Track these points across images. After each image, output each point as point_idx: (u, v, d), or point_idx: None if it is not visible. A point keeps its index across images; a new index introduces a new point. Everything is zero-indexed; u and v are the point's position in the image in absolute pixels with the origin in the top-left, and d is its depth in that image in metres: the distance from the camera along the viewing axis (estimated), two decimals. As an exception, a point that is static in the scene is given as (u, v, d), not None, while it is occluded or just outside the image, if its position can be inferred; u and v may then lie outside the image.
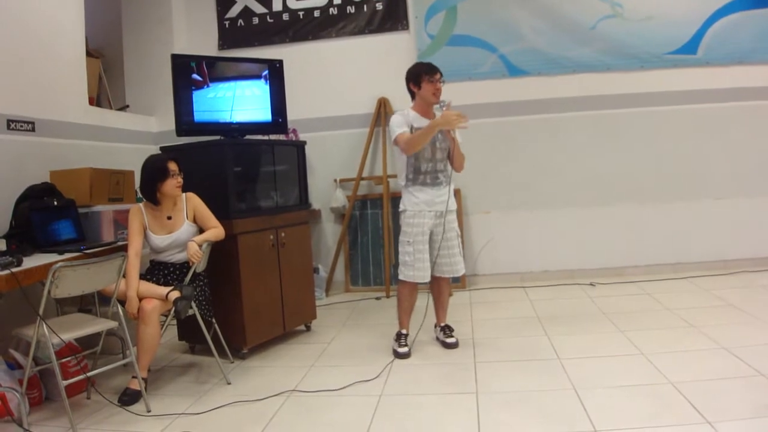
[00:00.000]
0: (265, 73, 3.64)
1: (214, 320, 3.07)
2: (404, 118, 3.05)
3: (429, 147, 3.02)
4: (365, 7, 4.79)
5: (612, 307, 3.71)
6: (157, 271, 2.93)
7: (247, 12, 4.95)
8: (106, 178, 3.39)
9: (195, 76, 3.36)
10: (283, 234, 3.45)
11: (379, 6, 4.77)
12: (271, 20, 4.92)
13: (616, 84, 4.53)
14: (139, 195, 3.14)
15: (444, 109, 2.95)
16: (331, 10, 4.84)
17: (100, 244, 2.96)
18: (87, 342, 2.83)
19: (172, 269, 2.93)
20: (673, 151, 4.53)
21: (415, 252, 3.04)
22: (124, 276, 2.66)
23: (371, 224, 4.83)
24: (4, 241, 2.71)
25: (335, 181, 4.81)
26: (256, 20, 4.94)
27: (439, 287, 3.24)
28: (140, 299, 2.70)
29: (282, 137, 4.23)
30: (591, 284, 4.38)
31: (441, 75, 3.06)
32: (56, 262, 2.38)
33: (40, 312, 2.33)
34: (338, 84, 4.81)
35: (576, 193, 4.62)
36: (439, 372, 2.83)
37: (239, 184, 3.35)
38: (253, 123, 3.59)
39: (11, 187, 3.06)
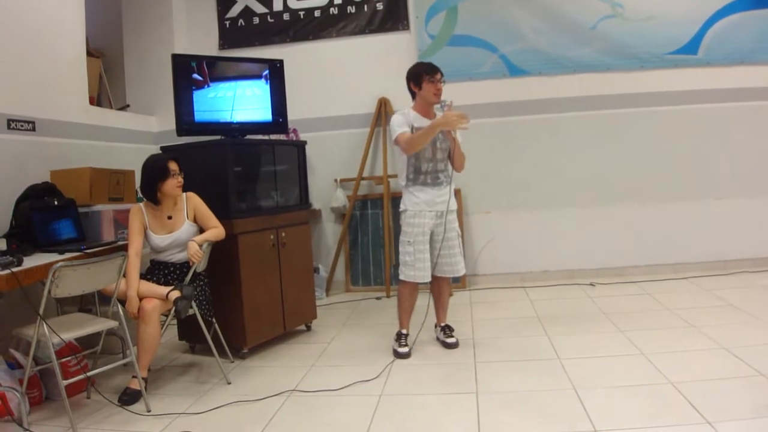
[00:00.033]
0: (266, 72, 3.64)
1: (214, 320, 3.07)
2: (405, 118, 3.05)
3: (429, 147, 3.02)
4: (366, 7, 4.79)
5: (612, 307, 3.71)
6: (157, 270, 2.94)
7: (247, 12, 4.95)
8: (106, 178, 3.39)
9: (195, 75, 3.36)
10: (283, 234, 3.45)
11: (380, 6, 4.77)
12: (272, 20, 4.92)
13: (617, 84, 4.53)
14: (140, 195, 3.15)
15: (445, 109, 2.95)
16: (331, 9, 4.84)
17: (101, 243, 2.96)
18: (87, 342, 2.83)
19: (172, 269, 2.93)
20: (674, 151, 4.53)
21: (416, 252, 3.04)
22: (124, 276, 2.67)
23: (371, 224, 4.83)
24: (4, 240, 2.71)
25: (336, 181, 4.81)
26: (256, 20, 4.94)
27: (440, 287, 3.24)
28: (140, 299, 2.70)
29: (282, 137, 4.23)
30: (591, 284, 4.38)
31: (442, 75, 3.06)
32: (56, 261, 2.38)
33: (41, 311, 2.33)
34: (339, 84, 4.81)
35: (576, 193, 4.62)
36: (439, 372, 2.83)
37: (240, 184, 3.35)
38: (253, 123, 3.59)
39: (12, 186, 3.06)
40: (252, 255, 3.22)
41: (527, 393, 2.47)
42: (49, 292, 2.29)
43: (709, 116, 4.48)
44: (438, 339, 3.28)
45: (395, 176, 4.13)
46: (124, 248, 2.83)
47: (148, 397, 2.63)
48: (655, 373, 2.54)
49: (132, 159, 3.86)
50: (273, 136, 4.03)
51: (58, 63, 3.70)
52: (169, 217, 2.92)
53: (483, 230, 4.72)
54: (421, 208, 3.06)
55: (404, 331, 3.17)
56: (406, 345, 3.12)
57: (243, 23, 4.96)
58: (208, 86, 3.40)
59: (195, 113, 3.33)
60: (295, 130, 4.56)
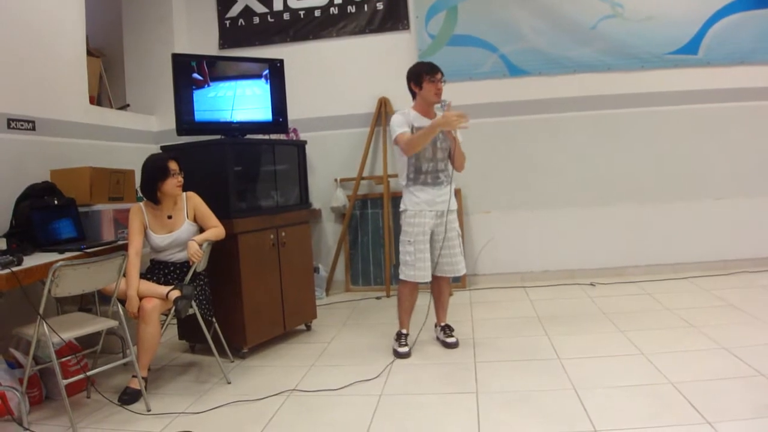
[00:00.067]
0: (266, 72, 3.64)
1: (214, 319, 3.07)
2: (405, 118, 3.05)
3: (430, 147, 3.02)
4: (366, 6, 4.79)
5: (612, 307, 3.71)
6: (157, 270, 2.93)
7: (247, 11, 4.95)
8: (106, 177, 3.39)
9: (195, 75, 3.36)
10: (283, 233, 3.45)
11: (380, 6, 4.77)
12: (272, 20, 4.92)
13: (617, 84, 4.53)
14: (140, 194, 3.15)
15: (445, 109, 2.95)
16: (331, 9, 4.83)
17: (101, 243, 2.96)
18: (87, 341, 2.83)
19: (172, 268, 2.93)
20: (674, 151, 4.53)
21: (416, 252, 3.04)
22: (124, 275, 2.66)
23: (372, 224, 4.83)
24: (4, 240, 2.71)
25: (336, 180, 4.81)
26: (256, 20, 4.94)
27: (440, 287, 3.24)
28: (140, 298, 2.70)
29: (282, 137, 4.23)
30: (591, 284, 4.38)
31: (442, 75, 3.05)
32: (56, 261, 2.38)
33: (41, 311, 2.33)
34: (339, 83, 4.81)
35: (576, 193, 4.62)
36: (439, 372, 2.83)
37: (240, 184, 3.35)
38: (253, 122, 3.58)
39: (12, 186, 3.06)
40: (252, 254, 3.22)
41: (527, 393, 2.47)
42: (49, 291, 2.29)
43: (710, 116, 4.48)
44: (438, 339, 3.28)
45: (395, 176, 4.13)
46: (124, 248, 2.83)
47: (148, 397, 2.63)
48: (655, 373, 2.54)
49: (132, 158, 3.86)
50: (273, 136, 4.03)
51: (59, 62, 3.69)
52: (169, 217, 2.92)
53: (483, 230, 4.72)
54: (422, 207, 3.06)
55: (404, 331, 3.17)
56: (406, 345, 3.12)
57: (243, 23, 4.96)
58: (208, 86, 3.40)
59: (195, 113, 3.33)
60: (295, 130, 4.56)
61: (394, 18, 4.76)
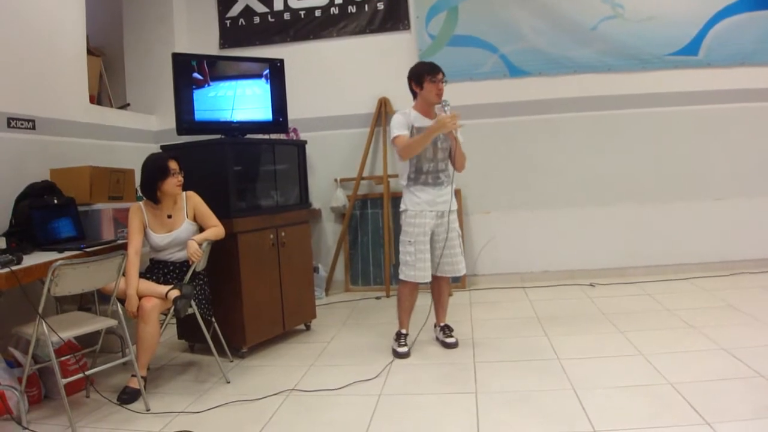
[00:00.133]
0: (266, 72, 3.64)
1: (213, 319, 3.07)
2: (405, 118, 3.05)
3: (431, 147, 3.02)
4: (366, 6, 4.79)
5: (612, 307, 3.70)
6: (156, 269, 2.93)
7: (248, 11, 4.95)
8: (106, 177, 3.39)
9: (196, 74, 3.36)
10: (283, 233, 3.45)
11: (381, 6, 4.77)
12: (272, 19, 4.92)
13: (617, 85, 4.53)
14: (140, 193, 3.14)
15: (445, 108, 2.95)
16: (332, 9, 4.83)
17: (100, 242, 2.96)
18: (86, 340, 2.83)
19: (171, 268, 2.93)
20: (674, 152, 4.53)
21: (417, 252, 3.04)
22: (123, 274, 2.66)
23: (371, 224, 4.82)
24: (4, 239, 2.71)
25: (336, 180, 4.81)
26: (257, 19, 4.94)
27: (439, 287, 3.24)
28: (140, 298, 2.70)
29: (282, 136, 4.23)
30: (591, 285, 4.38)
31: (443, 75, 3.05)
32: (56, 260, 2.38)
33: (40, 310, 2.32)
34: (339, 83, 4.81)
35: (576, 193, 4.62)
36: (438, 372, 2.83)
37: (239, 183, 3.35)
38: (253, 122, 3.58)
39: (11, 185, 3.05)
40: (252, 254, 3.22)
41: (527, 393, 2.47)
42: (49, 290, 2.29)
43: (710, 117, 4.48)
44: (437, 339, 3.28)
45: (395, 176, 4.13)
46: (124, 247, 2.83)
47: (148, 396, 2.63)
48: (655, 374, 2.54)
49: (132, 158, 3.86)
50: (273, 136, 4.03)
51: (59, 61, 3.69)
52: (169, 216, 2.92)
53: (483, 230, 4.72)
54: (422, 208, 3.06)
55: (404, 331, 3.17)
56: (405, 345, 3.12)
57: (243, 22, 4.96)
58: (209, 85, 3.40)
59: (195, 112, 3.33)
60: (295, 130, 4.56)
61: (394, 18, 4.76)
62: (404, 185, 3.13)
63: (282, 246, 3.44)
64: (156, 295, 2.72)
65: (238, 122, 3.49)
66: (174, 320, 3.19)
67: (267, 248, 3.34)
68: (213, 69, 3.44)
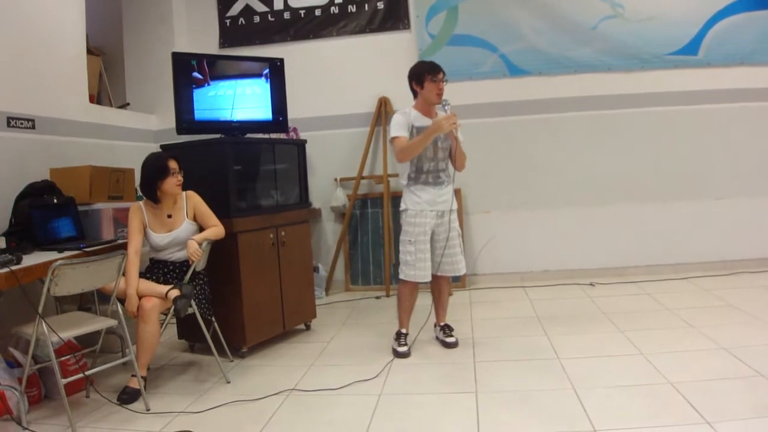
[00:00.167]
0: (266, 71, 3.63)
1: (213, 319, 3.07)
2: (405, 118, 3.05)
3: (431, 146, 3.02)
4: (366, 6, 4.79)
5: (612, 307, 3.71)
6: (156, 269, 2.93)
7: (248, 10, 4.94)
8: (106, 176, 3.39)
9: (196, 74, 3.35)
10: (283, 233, 3.45)
11: (381, 5, 4.77)
12: (272, 19, 4.92)
13: (617, 84, 4.53)
14: (139, 193, 3.14)
15: (446, 108, 2.95)
16: (332, 9, 4.83)
17: (100, 242, 2.96)
18: (86, 340, 2.83)
19: (171, 267, 2.93)
20: (674, 151, 4.53)
21: (417, 252, 3.04)
22: (123, 274, 2.66)
23: (371, 223, 4.82)
24: (3, 238, 2.71)
25: (336, 180, 4.81)
26: (257, 19, 4.94)
27: (439, 286, 3.24)
28: (140, 297, 2.70)
29: (282, 136, 4.23)
30: (591, 284, 4.38)
31: (444, 75, 3.05)
32: (56, 260, 2.38)
33: (40, 310, 2.32)
34: (339, 83, 4.81)
35: (576, 193, 4.62)
36: (438, 371, 2.83)
37: (239, 183, 3.35)
38: (253, 121, 3.58)
39: (11, 184, 3.05)
40: (252, 254, 3.22)
41: (527, 392, 2.47)
42: (49, 290, 2.29)
43: (710, 117, 4.48)
44: (437, 338, 3.28)
45: (395, 175, 4.13)
46: (124, 247, 2.83)
47: (148, 396, 2.63)
48: (655, 373, 2.54)
49: (132, 157, 3.86)
50: (273, 135, 4.02)
51: (59, 61, 3.69)
52: (169, 216, 2.92)
53: (483, 230, 4.72)
54: (423, 207, 3.06)
55: (404, 331, 3.17)
56: (405, 344, 3.12)
57: (243, 22, 4.96)
58: (209, 84, 3.40)
59: (195, 111, 3.33)
60: (295, 129, 4.56)
61: (394, 17, 4.76)
62: (404, 185, 3.13)
63: (282, 246, 3.44)
64: (156, 294, 2.72)
65: (237, 122, 3.49)
66: (174, 320, 3.19)
67: (267, 248, 3.34)
68: (213, 68, 3.44)
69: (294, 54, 4.64)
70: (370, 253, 4.82)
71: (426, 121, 3.02)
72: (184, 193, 2.96)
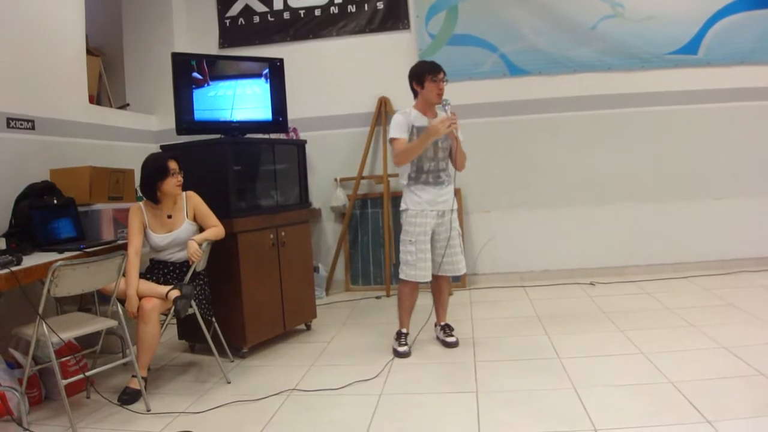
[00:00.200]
0: (266, 71, 3.63)
1: (213, 319, 3.07)
2: (405, 119, 3.04)
3: (431, 146, 3.02)
4: (366, 6, 4.79)
5: (612, 306, 3.71)
6: (156, 269, 2.93)
7: (247, 10, 4.94)
8: (106, 177, 3.39)
9: (195, 74, 3.35)
10: (283, 233, 3.45)
11: (380, 5, 4.77)
12: (272, 19, 4.92)
13: (617, 84, 4.53)
14: (139, 193, 3.14)
15: (446, 108, 2.95)
16: (332, 9, 4.83)
17: (100, 242, 2.96)
18: (87, 341, 2.83)
19: (171, 268, 2.93)
20: (674, 151, 4.53)
21: (418, 251, 3.04)
22: (123, 275, 2.66)
23: (371, 223, 4.82)
24: (3, 239, 2.71)
25: (335, 180, 4.81)
26: (256, 19, 4.94)
27: (440, 286, 3.24)
28: (140, 298, 2.70)
29: (282, 136, 4.23)
30: (591, 283, 4.38)
31: (444, 74, 3.05)
32: (56, 260, 2.38)
33: (40, 311, 2.32)
34: (339, 83, 4.81)
35: (576, 192, 4.62)
36: (439, 371, 2.83)
37: (239, 183, 3.35)
38: (253, 122, 3.58)
39: (11, 185, 3.05)
40: (252, 254, 3.22)
41: (527, 392, 2.47)
42: (49, 291, 2.29)
43: (710, 116, 4.48)
44: (438, 338, 3.28)
45: (395, 175, 4.13)
46: (124, 247, 2.82)
47: (148, 397, 2.63)
48: (655, 373, 2.54)
49: (132, 158, 3.86)
50: (273, 135, 4.03)
51: (58, 61, 3.69)
52: (169, 216, 2.91)
53: (483, 229, 4.72)
54: (423, 207, 3.06)
55: (404, 331, 3.17)
56: (405, 344, 3.12)
57: (243, 22, 4.96)
58: (208, 85, 3.40)
59: (195, 112, 3.33)
60: (295, 129, 4.56)
61: (394, 17, 4.76)
62: (405, 184, 3.13)
63: (282, 246, 3.44)
64: (156, 295, 2.72)
65: (237, 122, 3.49)
66: (174, 320, 3.19)
67: (267, 248, 3.34)
68: (212, 68, 3.44)
69: (294, 54, 4.64)
70: (371, 253, 4.82)
71: (426, 121, 3.02)
72: (184, 193, 2.96)
